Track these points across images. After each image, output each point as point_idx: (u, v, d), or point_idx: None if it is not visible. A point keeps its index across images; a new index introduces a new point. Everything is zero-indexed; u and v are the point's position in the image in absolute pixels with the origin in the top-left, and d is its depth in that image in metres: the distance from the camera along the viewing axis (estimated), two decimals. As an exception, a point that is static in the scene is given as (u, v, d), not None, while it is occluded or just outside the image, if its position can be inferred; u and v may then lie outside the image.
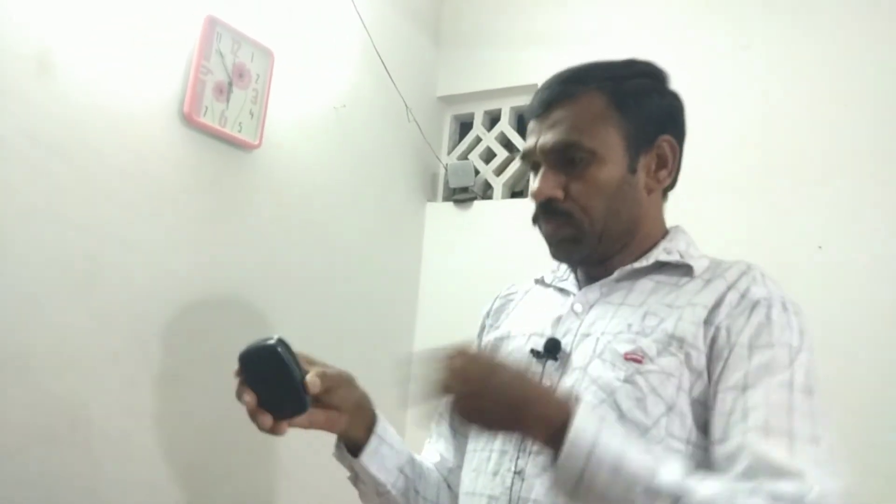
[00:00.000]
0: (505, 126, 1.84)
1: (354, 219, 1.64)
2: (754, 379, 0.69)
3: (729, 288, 0.75)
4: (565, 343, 0.79)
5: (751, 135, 1.51)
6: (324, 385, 0.76)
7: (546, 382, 0.76)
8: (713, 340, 0.73)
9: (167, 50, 1.22)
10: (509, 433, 0.71)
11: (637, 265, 0.82)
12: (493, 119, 1.89)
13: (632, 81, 0.83)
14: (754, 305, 0.73)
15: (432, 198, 1.88)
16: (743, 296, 0.74)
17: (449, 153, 1.92)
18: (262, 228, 1.41)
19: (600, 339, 0.77)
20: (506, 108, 1.84)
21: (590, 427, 0.63)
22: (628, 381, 0.72)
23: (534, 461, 0.74)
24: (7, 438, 0.99)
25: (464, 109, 1.92)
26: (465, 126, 1.95)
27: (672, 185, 0.87)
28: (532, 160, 0.84)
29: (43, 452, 1.03)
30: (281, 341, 0.70)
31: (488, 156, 1.86)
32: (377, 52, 1.65)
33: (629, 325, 0.76)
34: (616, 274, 0.82)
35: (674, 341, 0.73)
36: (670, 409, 0.71)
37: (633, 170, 0.81)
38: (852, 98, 1.42)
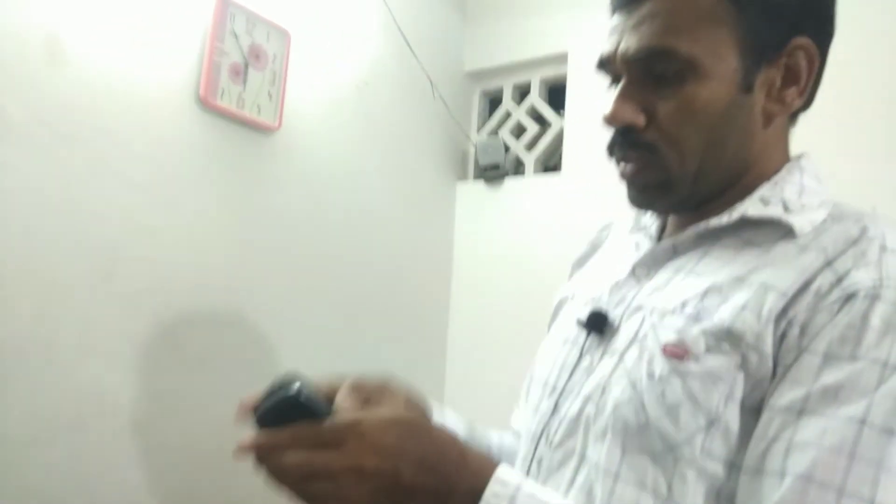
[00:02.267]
0: (535, 99, 1.76)
1: (381, 200, 1.61)
2: (816, 403, 0.51)
3: (825, 265, 0.55)
4: (615, 316, 0.64)
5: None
6: (359, 397, 0.61)
7: (585, 360, 0.65)
8: (782, 339, 0.54)
9: (180, 32, 1.20)
10: None
11: (716, 221, 0.62)
12: (522, 92, 1.82)
13: None
14: (849, 298, 0.52)
15: (462, 176, 1.83)
16: (839, 281, 0.53)
17: (478, 130, 1.86)
18: (286, 212, 1.39)
19: (648, 318, 0.61)
20: (535, 80, 1.77)
21: (513, 476, 0.53)
22: (662, 380, 0.56)
23: (551, 454, 0.64)
24: (35, 427, 1.00)
25: (492, 84, 1.86)
26: (494, 101, 1.88)
27: (806, 106, 0.65)
28: (611, 70, 0.64)
29: (71, 440, 1.04)
30: (301, 389, 0.53)
31: (519, 131, 1.79)
32: (399, 28, 1.60)
33: (684, 304, 0.59)
34: (690, 231, 0.63)
35: (728, 337, 0.55)
36: (711, 423, 0.54)
37: (748, 87, 0.60)
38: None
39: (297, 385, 0.54)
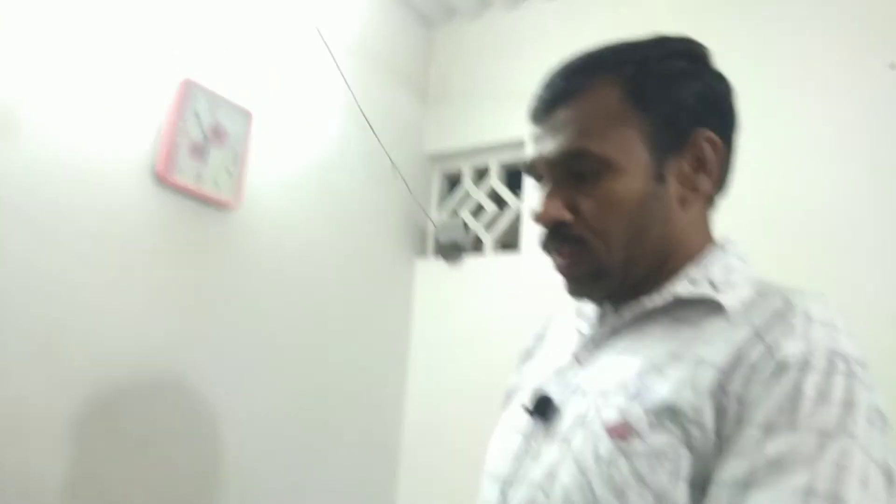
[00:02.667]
0: (494, 181, 1.81)
1: (340, 280, 1.60)
2: (763, 476, 0.51)
3: (754, 337, 0.56)
4: (560, 400, 0.64)
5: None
6: None
7: (532, 446, 0.64)
8: (723, 413, 0.54)
9: (140, 111, 1.21)
10: None
11: (651, 304, 0.65)
12: (481, 174, 1.87)
13: (656, 65, 0.66)
14: (782, 369, 0.54)
15: (422, 254, 1.84)
16: (769, 353, 0.55)
17: (438, 209, 1.89)
18: (240, 291, 1.37)
19: (592, 400, 0.61)
20: (494, 163, 1.82)
21: None
22: (609, 463, 0.56)
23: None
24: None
25: (452, 165, 1.90)
26: (453, 181, 1.93)
27: (720, 190, 0.69)
28: (536, 173, 0.69)
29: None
30: None
31: (478, 211, 1.83)
32: (361, 111, 1.64)
33: (625, 384, 0.60)
34: (627, 314, 0.66)
35: (670, 413, 0.55)
36: (659, 501, 0.54)
37: (660, 178, 0.65)
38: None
39: None
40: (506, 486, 0.65)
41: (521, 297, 1.62)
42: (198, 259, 1.29)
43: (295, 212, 1.50)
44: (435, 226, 1.83)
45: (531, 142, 0.70)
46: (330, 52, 1.57)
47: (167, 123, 1.24)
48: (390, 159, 1.71)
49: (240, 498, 1.31)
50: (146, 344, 1.19)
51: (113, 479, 1.11)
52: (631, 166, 0.64)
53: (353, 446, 1.57)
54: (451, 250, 1.77)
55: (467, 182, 1.86)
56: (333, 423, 1.53)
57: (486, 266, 1.74)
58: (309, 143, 1.55)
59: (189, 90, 1.28)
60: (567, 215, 0.65)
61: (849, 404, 0.52)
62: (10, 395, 1.00)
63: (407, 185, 1.76)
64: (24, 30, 1.05)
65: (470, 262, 1.76)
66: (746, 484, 0.51)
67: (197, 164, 1.29)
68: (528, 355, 0.82)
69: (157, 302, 1.21)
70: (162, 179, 1.23)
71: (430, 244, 1.85)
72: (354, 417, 1.59)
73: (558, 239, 0.66)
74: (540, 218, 0.66)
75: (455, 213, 1.85)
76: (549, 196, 0.67)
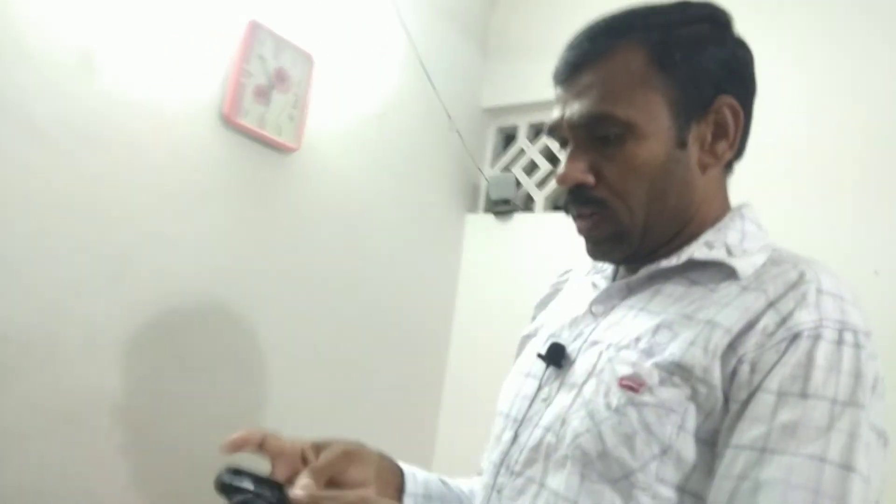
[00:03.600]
0: (548, 139, 1.80)
1: (392, 227, 1.64)
2: (777, 442, 0.54)
3: (768, 306, 0.59)
4: (572, 349, 0.68)
5: (807, 145, 1.42)
6: (322, 478, 0.64)
7: (543, 392, 0.68)
8: (732, 375, 0.58)
9: (208, 52, 1.26)
10: None
11: (666, 263, 0.67)
12: (537, 131, 1.86)
13: (680, 30, 0.67)
14: (794, 338, 0.57)
15: (473, 209, 1.86)
16: (783, 321, 0.58)
17: (491, 164, 1.89)
18: (297, 231, 1.42)
19: (604, 352, 0.65)
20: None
21: None
22: (619, 411, 0.60)
23: (512, 482, 0.67)
24: (33, 418, 1.02)
25: (508, 121, 1.90)
26: (508, 138, 1.92)
27: (738, 156, 0.72)
28: (559, 135, 0.70)
29: (66, 434, 1.06)
30: (221, 478, 0.56)
31: (531, 168, 1.83)
32: (420, 61, 1.65)
33: (637, 339, 0.63)
34: (643, 272, 0.69)
35: (679, 370, 0.59)
36: (665, 451, 0.58)
37: (682, 143, 0.66)
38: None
39: (220, 473, 0.57)
40: (518, 426, 0.69)
41: (568, 256, 1.62)
42: (257, 198, 1.35)
43: (351, 158, 1.54)
44: (487, 181, 1.84)
45: (556, 103, 0.71)
46: (392, 1, 1.57)
47: (234, 65, 1.29)
48: (447, 112, 1.73)
49: (281, 424, 1.39)
50: (206, 275, 1.26)
51: (172, 397, 1.20)
52: (654, 131, 0.65)
53: (395, 388, 1.64)
54: (501, 206, 1.79)
55: (522, 139, 1.85)
56: (377, 364, 1.59)
57: (535, 224, 1.75)
58: (368, 91, 1.57)
59: (255, 32, 1.31)
60: (589, 178, 0.67)
61: (857, 374, 0.56)
62: (82, 315, 1.08)
63: (462, 139, 1.78)
64: (104, -31, 1.10)
65: (520, 218, 1.77)
66: (763, 448, 0.54)
67: (261, 107, 1.33)
68: (544, 304, 0.86)
69: (217, 236, 1.28)
70: (228, 121, 1.28)
71: (482, 199, 1.87)
72: (398, 361, 1.65)
73: (580, 201, 0.68)
74: (563, 179, 0.68)
75: (508, 169, 1.86)
76: (572, 158, 0.68)
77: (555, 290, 0.86)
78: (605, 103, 0.65)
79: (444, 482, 0.81)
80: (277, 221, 1.39)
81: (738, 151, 0.71)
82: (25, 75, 1.01)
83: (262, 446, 0.65)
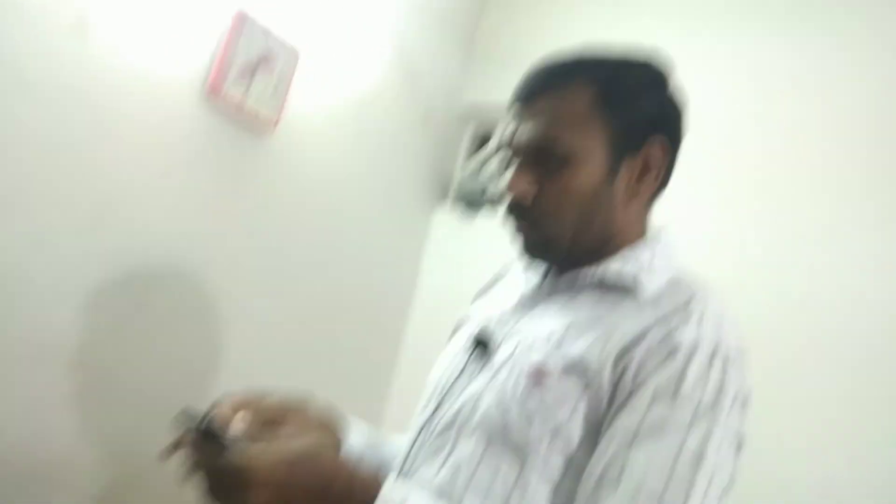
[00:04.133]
0: (521, 144, 1.88)
1: (361, 211, 1.72)
2: (647, 431, 0.66)
3: (657, 322, 0.70)
4: (497, 337, 0.79)
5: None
6: (260, 419, 0.72)
7: (468, 370, 0.79)
8: (621, 374, 0.69)
9: (199, 28, 1.34)
10: None
11: (582, 277, 0.79)
12: (511, 136, 1.94)
13: (625, 77, 0.78)
14: (673, 350, 0.68)
15: (441, 204, 1.94)
16: (667, 336, 0.69)
17: (464, 163, 1.97)
18: (269, 206, 1.51)
19: (520, 343, 0.76)
20: (525, 126, 1.89)
21: (397, 494, 0.64)
22: (524, 394, 0.71)
23: (430, 442, 0.77)
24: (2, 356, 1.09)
25: (486, 121, 1.98)
26: (485, 138, 2.00)
27: (661, 188, 0.82)
28: (508, 149, 0.80)
29: (28, 371, 1.14)
30: (209, 424, 0.62)
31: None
32: (404, 55, 1.73)
33: (550, 334, 0.74)
34: (565, 279, 0.80)
35: (578, 365, 0.70)
36: (557, 429, 0.69)
37: (612, 175, 0.77)
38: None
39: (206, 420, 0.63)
40: (442, 396, 0.80)
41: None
42: (233, 171, 1.43)
43: (328, 144, 1.62)
44: (457, 179, 1.92)
45: (511, 118, 0.81)
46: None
47: (221, 46, 1.35)
48: (425, 106, 1.80)
49: (237, 382, 1.46)
50: (177, 235, 1.34)
51: (134, 346, 1.29)
52: (590, 161, 0.76)
53: (351, 361, 1.72)
54: (468, 205, 1.87)
55: (497, 140, 1.93)
56: (334, 339, 1.68)
57: (498, 226, 1.82)
58: (349, 82, 1.65)
59: (243, 19, 1.38)
60: (529, 190, 0.77)
61: (720, 387, 0.67)
62: (55, 261, 1.16)
63: (437, 134, 1.85)
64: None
65: (484, 219, 1.85)
66: (634, 434, 0.66)
67: (243, 85, 1.40)
68: (482, 292, 0.96)
69: (191, 200, 1.36)
70: (210, 95, 1.35)
71: (451, 195, 1.95)
72: (357, 338, 1.73)
73: (517, 211, 0.79)
74: (508, 188, 0.78)
75: (480, 169, 1.94)
76: (517, 174, 0.78)
77: (495, 279, 0.97)
78: (553, 130, 0.75)
79: (383, 437, 0.92)
80: (252, 194, 1.47)
81: (663, 185, 0.82)
82: (20, 34, 1.09)
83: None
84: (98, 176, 1.20)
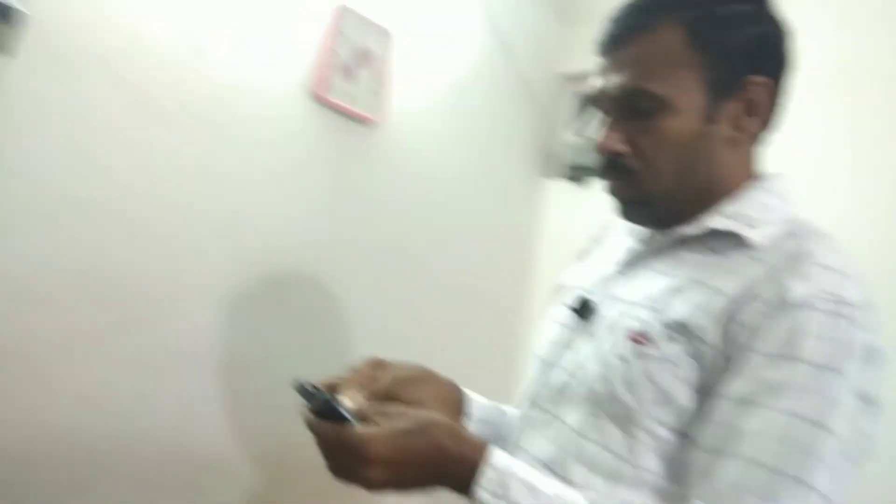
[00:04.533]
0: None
1: (471, 194, 1.73)
2: (761, 396, 0.60)
3: (766, 276, 0.64)
4: (598, 303, 0.76)
5: None
6: (378, 396, 0.72)
7: (571, 339, 0.76)
8: (730, 336, 0.63)
9: (300, 35, 1.39)
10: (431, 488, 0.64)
11: (687, 231, 0.72)
12: (616, 96, 1.87)
13: (719, 9, 0.71)
14: (789, 307, 0.61)
15: (551, 175, 1.92)
16: (780, 292, 0.62)
17: (569, 130, 1.93)
18: (381, 201, 1.55)
19: (623, 309, 0.72)
20: (629, 84, 1.82)
21: (502, 459, 0.62)
22: (626, 361, 0.68)
23: (539, 416, 0.75)
24: (160, 356, 1.22)
25: (585, 86, 1.92)
26: (587, 106, 1.95)
27: (771, 131, 0.75)
28: (600, 104, 0.76)
29: (186, 370, 1.25)
30: (328, 401, 0.64)
31: (609, 133, 1.85)
32: (496, 29, 1.71)
33: (651, 299, 0.70)
34: (666, 237, 0.75)
35: (682, 329, 0.65)
36: (663, 397, 0.65)
37: (712, 119, 0.71)
38: None
39: (325, 397, 0.64)
40: (547, 366, 0.78)
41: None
42: (345, 169, 1.49)
43: (432, 129, 1.64)
44: (565, 147, 1.89)
45: (598, 73, 0.76)
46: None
47: (323, 47, 1.41)
48: (524, 79, 1.78)
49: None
50: (300, 238, 1.42)
51: (273, 343, 1.37)
52: (686, 107, 0.70)
53: (473, 348, 1.74)
54: (578, 172, 1.83)
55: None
56: (457, 322, 1.70)
57: (612, 188, 1.78)
58: (446, 63, 1.66)
59: (342, 14, 1.43)
60: (623, 147, 0.72)
61: (844, 344, 0.60)
62: (196, 269, 1.27)
63: (539, 105, 1.83)
64: (210, -33, 1.25)
65: (597, 185, 1.81)
66: (746, 401, 0.61)
67: (348, 84, 1.46)
68: (582, 255, 0.92)
69: (309, 203, 1.43)
70: (318, 98, 1.41)
71: (560, 165, 1.92)
72: (477, 319, 1.75)
73: (613, 168, 0.74)
74: (600, 147, 0.75)
75: (585, 134, 1.89)
76: (610, 128, 0.74)
77: (594, 242, 0.93)
78: (642, 79, 0.70)
79: (501, 410, 0.91)
80: (365, 189, 1.52)
81: (770, 124, 0.75)
82: (146, 63, 1.18)
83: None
84: (225, 189, 1.29)
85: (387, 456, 0.60)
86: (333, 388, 0.72)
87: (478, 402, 0.87)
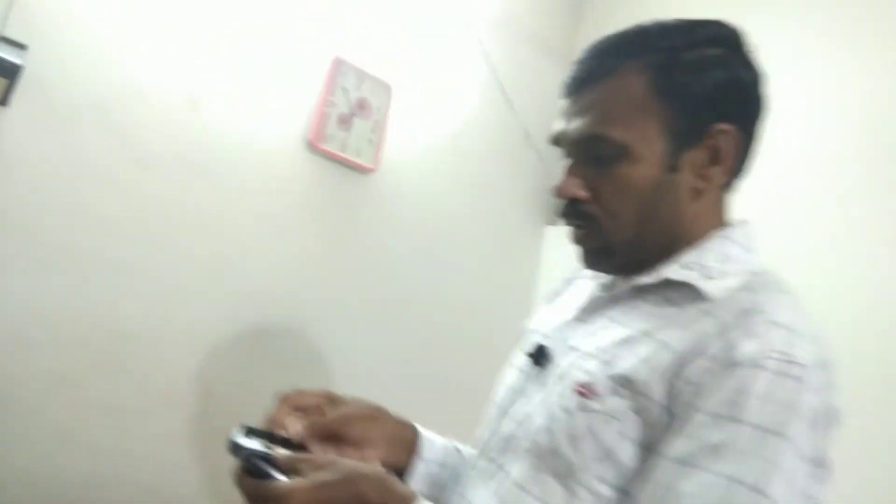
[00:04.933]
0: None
1: (468, 242, 1.73)
2: (701, 459, 0.57)
3: (719, 333, 0.61)
4: (554, 351, 0.73)
5: None
6: (320, 433, 0.72)
7: (525, 387, 0.75)
8: (676, 394, 0.60)
9: (296, 87, 1.43)
10: None
11: (644, 280, 0.70)
12: (618, 146, 1.87)
13: (685, 54, 0.68)
14: (735, 365, 0.58)
15: (550, 222, 1.91)
16: (728, 349, 0.59)
17: (572, 180, 1.93)
18: (377, 246, 1.56)
19: (573, 358, 0.70)
20: (631, 134, 1.81)
21: None
22: (570, 414, 0.65)
23: (486, 466, 0.73)
24: (143, 400, 1.23)
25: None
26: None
27: (738, 176, 0.73)
28: (560, 147, 0.74)
29: (169, 414, 1.25)
30: (252, 455, 0.63)
31: (611, 183, 1.84)
32: (498, 82, 1.73)
33: (602, 350, 0.67)
34: (623, 286, 0.72)
35: (627, 383, 0.63)
36: (606, 454, 0.62)
37: (674, 168, 0.68)
38: None
39: (253, 449, 0.64)
40: (500, 413, 0.76)
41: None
42: (339, 216, 1.50)
43: (429, 176, 1.65)
44: (567, 195, 1.88)
45: (560, 115, 0.74)
46: (472, 27, 1.67)
47: (319, 98, 1.44)
48: (524, 128, 1.79)
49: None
50: (293, 284, 1.42)
51: (260, 388, 1.35)
52: (647, 155, 0.68)
53: (469, 393, 1.71)
54: (579, 220, 1.81)
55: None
56: (450, 376, 1.68)
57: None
58: (445, 113, 1.68)
59: (338, 67, 1.46)
60: (582, 193, 0.71)
61: (791, 406, 0.57)
62: (185, 314, 1.28)
63: (539, 154, 1.83)
64: (203, 29, 1.30)
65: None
66: (685, 462, 0.58)
67: (343, 133, 1.48)
68: (552, 297, 0.89)
69: (303, 250, 1.44)
70: (312, 147, 1.44)
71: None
72: (474, 364, 1.72)
73: (573, 214, 0.73)
74: (558, 192, 0.73)
75: (589, 183, 1.88)
76: (570, 172, 0.72)
77: (566, 284, 0.90)
78: (602, 125, 0.68)
79: (457, 449, 0.89)
80: (358, 237, 1.53)
81: (739, 172, 0.72)
82: (141, 113, 1.22)
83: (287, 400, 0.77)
84: (215, 236, 1.31)
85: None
86: (275, 421, 0.72)
87: (431, 443, 0.85)
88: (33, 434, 1.12)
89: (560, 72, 1.87)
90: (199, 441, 1.29)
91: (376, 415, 0.80)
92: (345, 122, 1.49)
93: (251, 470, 0.63)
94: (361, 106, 1.51)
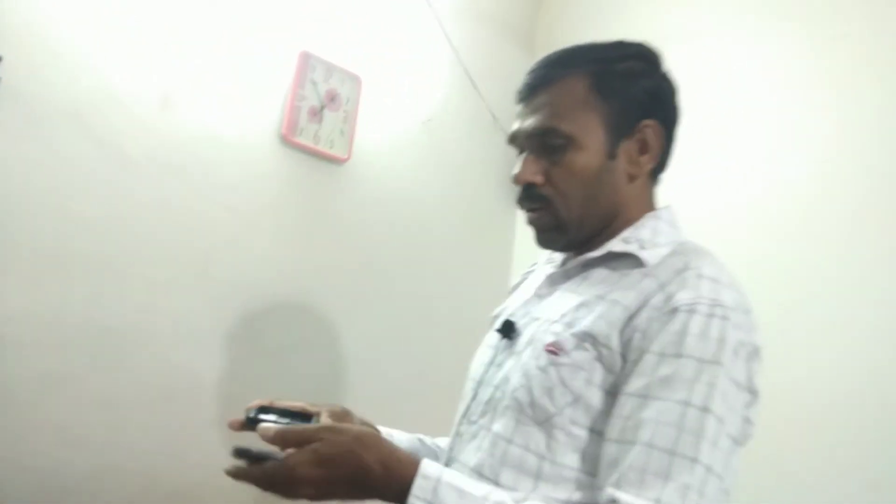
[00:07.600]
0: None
1: (442, 226, 1.79)
2: (655, 390, 0.69)
3: (658, 288, 0.74)
4: (521, 325, 0.85)
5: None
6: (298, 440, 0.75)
7: (497, 358, 0.85)
8: (628, 341, 0.73)
9: (266, 83, 1.46)
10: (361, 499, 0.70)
11: (592, 254, 0.83)
12: (583, 125, 1.93)
13: (617, 65, 0.83)
14: (674, 311, 0.71)
15: (522, 203, 1.97)
16: (668, 299, 0.73)
17: (540, 160, 1.99)
18: (352, 234, 1.61)
19: (540, 326, 0.81)
20: (595, 114, 1.88)
21: (433, 468, 0.68)
22: (543, 370, 0.76)
23: (469, 429, 0.83)
24: (137, 394, 1.27)
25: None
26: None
27: (661, 169, 0.88)
28: (517, 144, 0.87)
29: (163, 407, 1.30)
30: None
31: (577, 161, 1.91)
32: (464, 67, 1.78)
33: (563, 315, 0.79)
34: (576, 262, 0.85)
35: (589, 338, 0.75)
36: (576, 400, 0.74)
37: (612, 156, 0.82)
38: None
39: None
40: (477, 385, 0.87)
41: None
42: (315, 205, 1.55)
43: (400, 164, 1.70)
44: (536, 175, 1.94)
45: (516, 118, 0.86)
46: (435, 15, 1.71)
47: (290, 92, 1.48)
48: (492, 113, 1.85)
49: (348, 399, 1.58)
50: (274, 273, 1.47)
51: (252, 380, 1.42)
52: (590, 144, 0.82)
53: (443, 375, 1.77)
54: (548, 199, 1.88)
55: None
56: (428, 359, 1.74)
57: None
58: (414, 102, 1.72)
59: (306, 61, 1.50)
60: (538, 178, 0.83)
61: (721, 341, 0.70)
62: (178, 309, 1.33)
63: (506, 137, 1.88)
64: (173, 30, 1.33)
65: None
66: (643, 395, 0.70)
67: (314, 125, 1.53)
68: (514, 288, 1.02)
69: (281, 240, 1.49)
70: (286, 140, 1.48)
71: (531, 193, 1.97)
72: (448, 355, 1.79)
73: (530, 197, 0.85)
74: (517, 178, 0.85)
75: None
76: (525, 162, 0.85)
77: (524, 276, 1.03)
78: (553, 119, 0.82)
79: (420, 440, 1.00)
80: (333, 224, 1.58)
81: (662, 165, 0.87)
82: (116, 115, 1.25)
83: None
84: (197, 234, 1.35)
85: (313, 476, 0.67)
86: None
87: (393, 438, 0.94)
88: (33, 431, 1.16)
89: (523, 55, 1.96)
90: (192, 430, 1.34)
91: (342, 415, 0.89)
92: (316, 114, 1.53)
93: (248, 456, 0.70)
94: (331, 98, 1.55)
